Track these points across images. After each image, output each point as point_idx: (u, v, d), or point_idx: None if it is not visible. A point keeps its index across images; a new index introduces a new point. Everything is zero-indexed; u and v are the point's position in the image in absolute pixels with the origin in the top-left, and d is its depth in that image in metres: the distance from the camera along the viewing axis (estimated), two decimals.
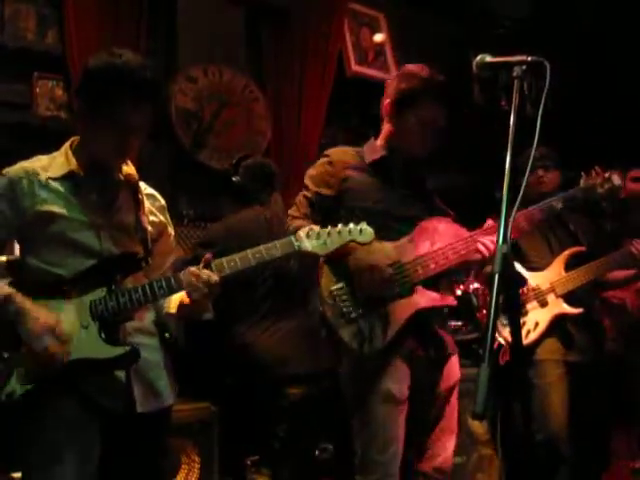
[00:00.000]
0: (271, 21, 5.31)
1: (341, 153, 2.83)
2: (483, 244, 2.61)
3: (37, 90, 4.27)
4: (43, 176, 2.18)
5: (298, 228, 2.51)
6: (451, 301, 2.71)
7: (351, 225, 2.24)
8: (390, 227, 2.66)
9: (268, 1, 5.27)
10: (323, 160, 2.82)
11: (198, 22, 4.98)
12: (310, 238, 2.21)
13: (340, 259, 2.56)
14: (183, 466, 3.32)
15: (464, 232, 2.72)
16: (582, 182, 3.10)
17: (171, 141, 4.75)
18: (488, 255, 2.58)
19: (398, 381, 2.60)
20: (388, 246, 2.62)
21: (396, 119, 2.79)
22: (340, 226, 2.22)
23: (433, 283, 2.68)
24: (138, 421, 2.18)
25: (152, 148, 4.65)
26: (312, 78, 5.25)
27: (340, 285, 2.61)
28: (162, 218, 2.43)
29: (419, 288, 2.61)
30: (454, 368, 2.81)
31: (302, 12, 5.32)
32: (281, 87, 5.27)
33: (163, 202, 2.47)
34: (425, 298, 2.61)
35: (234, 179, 3.95)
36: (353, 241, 2.25)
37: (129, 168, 2.34)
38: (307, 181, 2.80)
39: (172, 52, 4.90)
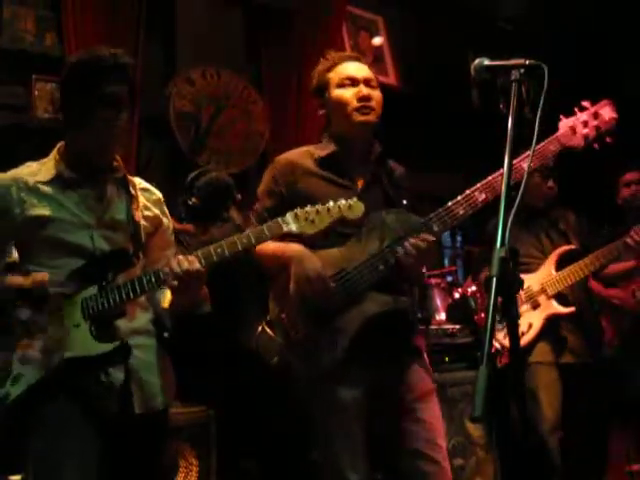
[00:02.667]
0: (270, 23, 5.32)
1: (287, 159, 2.63)
2: (408, 247, 2.37)
3: (36, 92, 4.27)
4: (31, 181, 2.20)
5: None
6: (403, 303, 2.48)
7: (341, 201, 2.17)
8: (343, 233, 2.45)
9: (267, 3, 5.28)
10: (270, 170, 2.65)
11: (196, 24, 4.99)
12: (298, 219, 2.15)
13: (284, 276, 2.43)
14: (181, 469, 3.32)
15: (417, 220, 2.48)
16: (560, 126, 2.56)
17: (169, 144, 4.76)
18: (412, 261, 2.37)
19: (351, 390, 2.43)
20: (334, 253, 2.44)
21: (323, 105, 2.69)
22: (330, 203, 2.17)
23: (389, 282, 2.46)
24: (137, 422, 2.17)
25: (150, 150, 4.66)
26: (310, 80, 5.24)
27: (285, 305, 2.47)
28: (157, 212, 2.40)
29: (370, 293, 2.42)
30: (418, 372, 2.57)
31: (301, 14, 5.33)
32: (280, 89, 5.28)
33: (159, 195, 2.45)
34: (375, 304, 2.42)
35: (190, 202, 3.85)
36: (343, 217, 2.17)
37: (116, 162, 2.34)
38: (258, 194, 2.64)
39: (170, 54, 4.91)
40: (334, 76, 2.64)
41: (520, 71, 1.86)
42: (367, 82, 2.59)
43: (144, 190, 2.40)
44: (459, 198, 2.46)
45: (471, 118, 5.34)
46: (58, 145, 2.32)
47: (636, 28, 5.68)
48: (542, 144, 2.49)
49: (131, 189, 2.32)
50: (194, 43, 4.98)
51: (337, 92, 2.61)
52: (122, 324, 2.17)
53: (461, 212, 2.44)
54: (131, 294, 2.12)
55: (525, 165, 2.43)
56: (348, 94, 2.57)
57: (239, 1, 5.20)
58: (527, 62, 1.86)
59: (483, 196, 2.44)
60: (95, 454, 2.09)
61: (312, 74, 2.76)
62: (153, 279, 2.13)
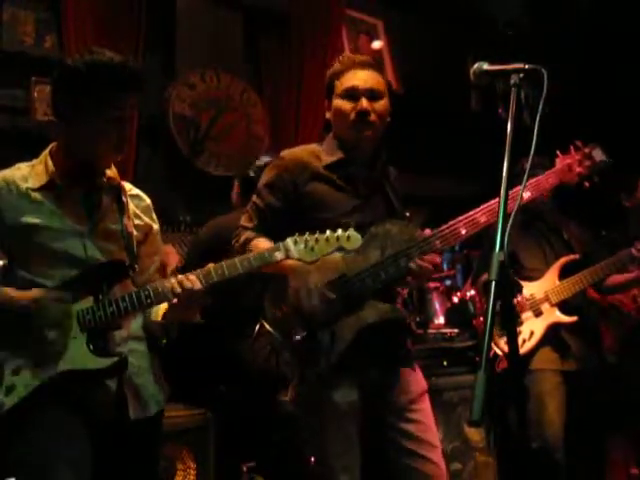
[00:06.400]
0: (269, 27, 5.33)
1: (296, 158, 2.59)
2: (414, 267, 2.41)
3: (35, 95, 4.27)
4: (23, 187, 2.16)
5: (247, 241, 2.49)
6: (402, 313, 2.53)
7: (339, 231, 2.19)
8: None
9: (266, 7, 5.29)
10: (276, 166, 2.60)
11: (196, 28, 4.99)
12: (297, 245, 2.17)
13: (283, 278, 2.45)
14: (178, 472, 3.31)
15: (420, 234, 2.50)
16: (557, 162, 2.86)
17: (168, 147, 4.75)
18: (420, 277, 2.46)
19: (343, 392, 2.45)
20: (336, 258, 2.39)
21: (329, 109, 2.65)
22: (328, 232, 2.18)
23: (386, 292, 2.50)
24: (131, 428, 2.17)
25: (149, 154, 4.66)
26: (310, 84, 5.27)
27: (284, 306, 2.48)
28: (147, 219, 2.39)
29: (370, 301, 2.44)
30: (411, 376, 2.59)
31: (300, 18, 5.34)
32: (279, 93, 5.29)
33: (148, 201, 2.44)
34: (374, 312, 2.44)
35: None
36: (341, 248, 2.20)
37: (111, 171, 2.31)
38: (260, 188, 2.60)
39: (170, 58, 4.91)
40: (339, 84, 2.57)
41: (519, 75, 1.86)
42: (370, 93, 2.53)
43: (134, 197, 2.38)
44: (461, 217, 2.49)
45: (471, 122, 5.35)
46: (49, 147, 2.27)
47: (636, 28, 5.69)
48: (541, 176, 2.71)
49: (123, 197, 2.31)
50: (194, 47, 4.98)
51: (338, 102, 2.56)
52: (116, 333, 2.17)
53: (463, 232, 2.48)
54: (129, 309, 2.11)
55: (525, 195, 2.58)
56: (347, 107, 2.53)
57: (239, 5, 5.20)
58: (526, 66, 1.86)
59: (484, 218, 2.49)
60: (89, 461, 2.08)
61: (326, 74, 2.68)
62: (152, 295, 2.12)
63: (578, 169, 2.79)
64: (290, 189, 2.53)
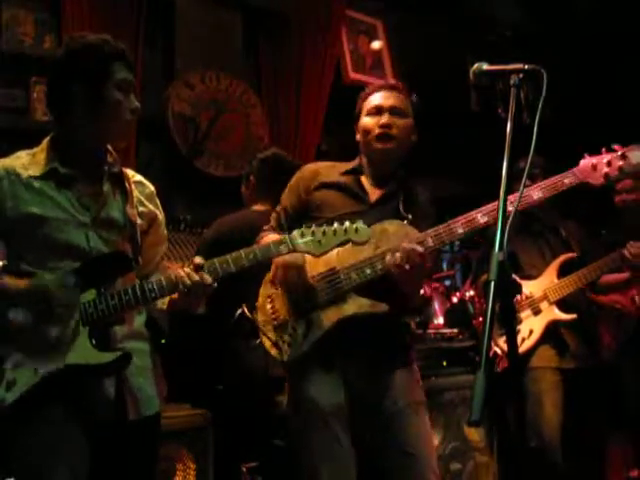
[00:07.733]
0: (269, 27, 5.33)
1: (314, 167, 2.79)
2: (397, 255, 2.36)
3: (34, 95, 4.27)
4: (24, 175, 2.12)
5: (260, 238, 2.64)
6: (382, 307, 2.49)
7: (347, 223, 2.20)
8: None
9: (266, 7, 5.28)
10: (297, 174, 2.79)
11: (196, 28, 4.99)
12: (304, 237, 2.17)
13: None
14: (178, 472, 3.30)
15: (416, 234, 2.48)
16: (581, 162, 2.45)
17: (168, 147, 4.75)
18: (398, 272, 2.36)
19: (328, 391, 2.47)
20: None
21: (357, 131, 2.79)
22: (336, 225, 2.19)
23: (380, 288, 2.48)
24: (129, 428, 2.15)
25: (149, 154, 4.65)
26: (309, 85, 5.26)
27: (274, 290, 2.57)
28: (151, 207, 2.37)
29: (351, 295, 2.47)
30: (406, 382, 2.58)
31: (300, 19, 5.34)
32: (278, 93, 5.29)
33: (152, 188, 2.41)
34: (354, 305, 2.47)
35: (251, 178, 3.84)
36: (349, 240, 2.20)
37: (113, 158, 2.29)
38: (282, 196, 2.78)
39: (170, 58, 4.91)
40: (365, 104, 2.75)
41: (519, 76, 1.87)
42: (393, 110, 2.67)
43: (137, 183, 2.36)
44: (460, 217, 2.47)
45: (471, 122, 5.35)
46: (50, 136, 2.25)
47: (636, 29, 5.69)
48: (557, 176, 2.43)
49: (126, 184, 2.28)
50: (194, 47, 4.98)
51: (364, 120, 2.72)
52: (118, 329, 2.15)
53: (460, 231, 2.46)
54: (133, 302, 2.09)
55: (535, 196, 2.42)
56: (371, 122, 2.68)
57: (238, 5, 5.20)
58: (526, 67, 1.87)
59: (485, 219, 2.43)
60: (87, 461, 2.07)
61: (358, 97, 2.84)
62: (155, 288, 2.10)
63: (606, 169, 2.38)
64: (302, 193, 2.69)
